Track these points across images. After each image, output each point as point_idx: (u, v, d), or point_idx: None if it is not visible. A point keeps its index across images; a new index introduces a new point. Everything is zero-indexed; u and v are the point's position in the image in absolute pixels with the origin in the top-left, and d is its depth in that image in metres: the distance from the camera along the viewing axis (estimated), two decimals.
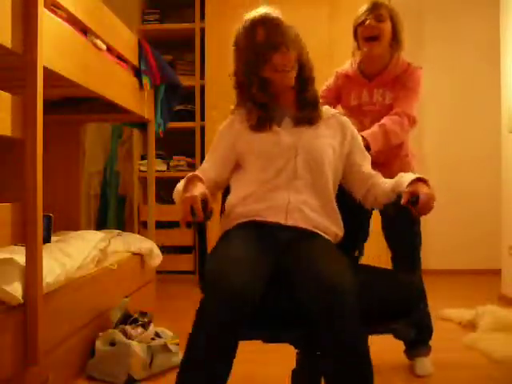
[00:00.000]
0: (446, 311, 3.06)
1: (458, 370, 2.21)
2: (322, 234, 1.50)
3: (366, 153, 1.68)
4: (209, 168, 1.58)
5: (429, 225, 4.63)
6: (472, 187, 4.64)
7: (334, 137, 1.61)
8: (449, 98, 4.71)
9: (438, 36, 4.70)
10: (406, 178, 1.47)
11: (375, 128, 1.92)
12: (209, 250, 1.50)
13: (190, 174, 1.45)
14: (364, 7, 2.05)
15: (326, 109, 1.70)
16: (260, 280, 1.25)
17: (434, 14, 4.70)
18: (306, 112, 1.61)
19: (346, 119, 1.69)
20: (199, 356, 1.19)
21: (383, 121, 1.95)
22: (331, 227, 1.52)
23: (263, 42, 1.57)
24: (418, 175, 1.46)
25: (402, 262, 1.55)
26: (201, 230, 1.47)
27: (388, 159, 1.99)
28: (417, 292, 1.39)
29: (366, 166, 1.64)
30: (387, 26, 2.02)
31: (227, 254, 1.34)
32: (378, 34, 2.01)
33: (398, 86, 2.04)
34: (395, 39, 2.08)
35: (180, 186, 1.49)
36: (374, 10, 2.01)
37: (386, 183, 1.54)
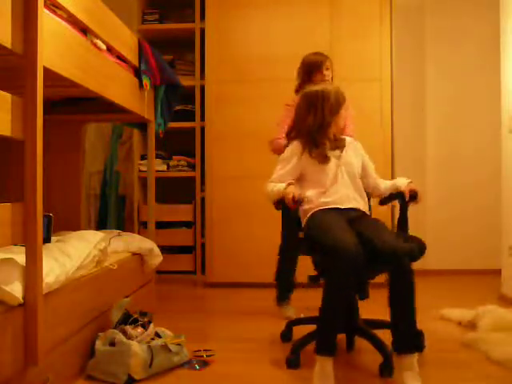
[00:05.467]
0: (446, 311, 3.05)
1: (458, 370, 2.21)
2: (362, 210, 2.46)
3: (371, 162, 2.64)
4: (285, 175, 2.44)
5: (429, 225, 4.66)
6: (472, 187, 4.65)
7: (355, 156, 2.55)
8: (450, 97, 4.71)
9: (439, 37, 4.70)
10: (402, 181, 2.51)
11: None
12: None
13: (287, 182, 2.31)
14: (316, 60, 3.07)
15: (345, 138, 2.55)
16: (355, 238, 2.11)
17: (434, 15, 4.70)
18: (339, 143, 2.50)
19: (357, 143, 2.63)
20: (340, 284, 2.04)
21: None
22: (365, 206, 2.51)
23: (335, 110, 2.43)
24: (409, 180, 2.50)
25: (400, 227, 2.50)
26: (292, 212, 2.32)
27: None
28: (422, 242, 2.28)
29: (373, 172, 2.62)
30: (331, 72, 3.10)
31: (334, 227, 2.19)
32: (329, 79, 3.05)
33: None
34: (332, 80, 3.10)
35: (276, 187, 2.33)
36: (326, 62, 3.06)
37: (384, 183, 2.61)
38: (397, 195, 2.49)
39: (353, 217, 2.36)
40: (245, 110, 4.10)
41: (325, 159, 2.42)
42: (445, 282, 4.24)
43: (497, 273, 3.72)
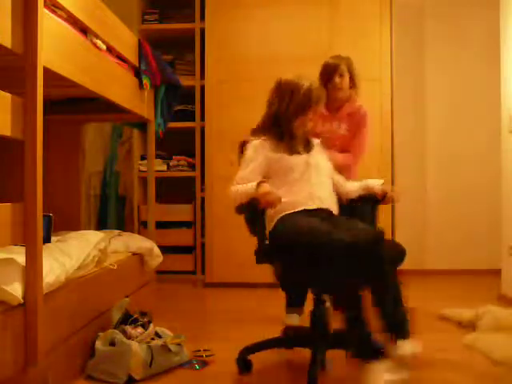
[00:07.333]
0: (446, 311, 3.05)
1: (458, 370, 2.21)
2: (331, 210, 2.28)
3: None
4: (252, 174, 2.23)
5: (429, 225, 4.66)
6: (472, 187, 4.65)
7: (323, 158, 2.43)
8: (449, 98, 4.71)
9: (438, 37, 4.70)
10: (374, 181, 2.40)
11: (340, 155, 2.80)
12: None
13: (257, 181, 2.11)
14: (328, 66, 2.83)
15: (313, 140, 2.46)
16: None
17: (434, 16, 4.71)
18: (308, 143, 2.41)
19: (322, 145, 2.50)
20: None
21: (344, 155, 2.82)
22: (334, 206, 2.32)
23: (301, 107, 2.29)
24: (382, 180, 2.44)
25: None
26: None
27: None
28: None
29: (338, 176, 2.48)
30: (347, 78, 2.83)
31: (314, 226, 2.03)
32: (341, 87, 2.82)
33: (352, 122, 2.86)
34: (352, 84, 2.86)
35: (243, 188, 2.14)
36: (338, 68, 2.80)
37: (353, 185, 2.46)
38: (369, 197, 2.36)
39: (323, 217, 2.17)
40: (245, 110, 4.10)
41: (292, 150, 2.27)
42: (445, 282, 4.23)
43: (497, 273, 3.72)
